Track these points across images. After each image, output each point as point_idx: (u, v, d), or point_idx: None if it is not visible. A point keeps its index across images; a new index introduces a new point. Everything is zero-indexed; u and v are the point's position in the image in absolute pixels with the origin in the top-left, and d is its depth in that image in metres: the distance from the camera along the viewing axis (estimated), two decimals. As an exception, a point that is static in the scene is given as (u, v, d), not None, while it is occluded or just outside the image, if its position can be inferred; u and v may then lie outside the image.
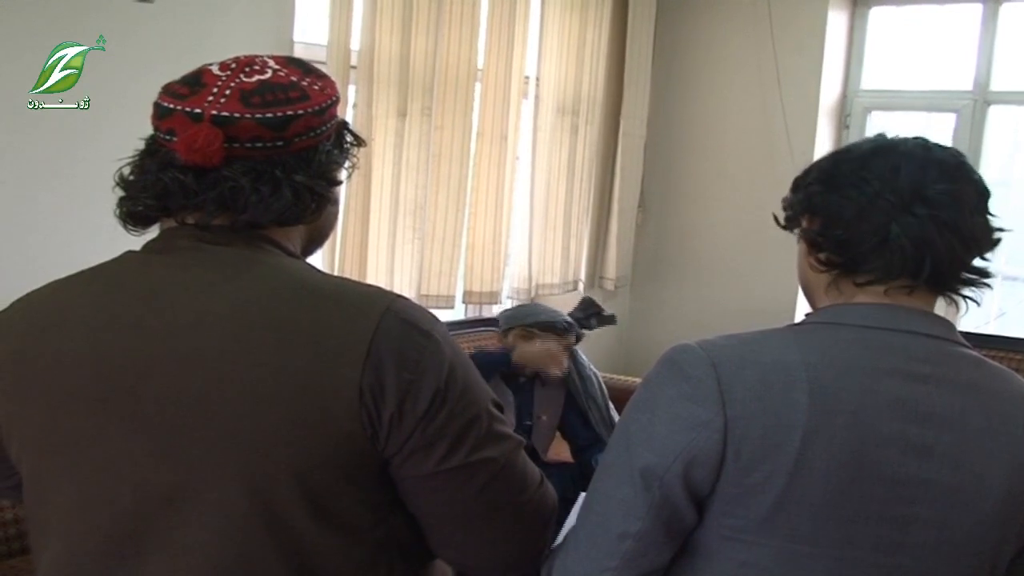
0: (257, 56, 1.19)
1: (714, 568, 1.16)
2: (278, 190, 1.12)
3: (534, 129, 4.31)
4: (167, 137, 1.12)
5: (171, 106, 1.12)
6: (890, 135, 1.24)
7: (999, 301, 4.62)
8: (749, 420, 1.10)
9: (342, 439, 1.06)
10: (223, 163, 1.10)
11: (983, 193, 1.20)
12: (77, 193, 2.74)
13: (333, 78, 1.24)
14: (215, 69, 1.16)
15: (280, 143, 1.12)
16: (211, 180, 1.11)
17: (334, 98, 1.19)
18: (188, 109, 1.11)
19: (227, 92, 1.12)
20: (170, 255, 1.14)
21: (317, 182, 1.15)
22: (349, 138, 1.24)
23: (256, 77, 1.14)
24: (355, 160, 1.26)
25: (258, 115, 1.11)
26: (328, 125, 1.18)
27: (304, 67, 1.21)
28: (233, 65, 1.16)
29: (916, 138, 1.22)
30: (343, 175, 1.25)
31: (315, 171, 1.15)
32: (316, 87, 1.17)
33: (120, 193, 1.16)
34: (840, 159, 1.22)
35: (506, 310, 3.55)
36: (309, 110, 1.14)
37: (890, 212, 1.15)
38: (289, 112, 1.12)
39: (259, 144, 1.11)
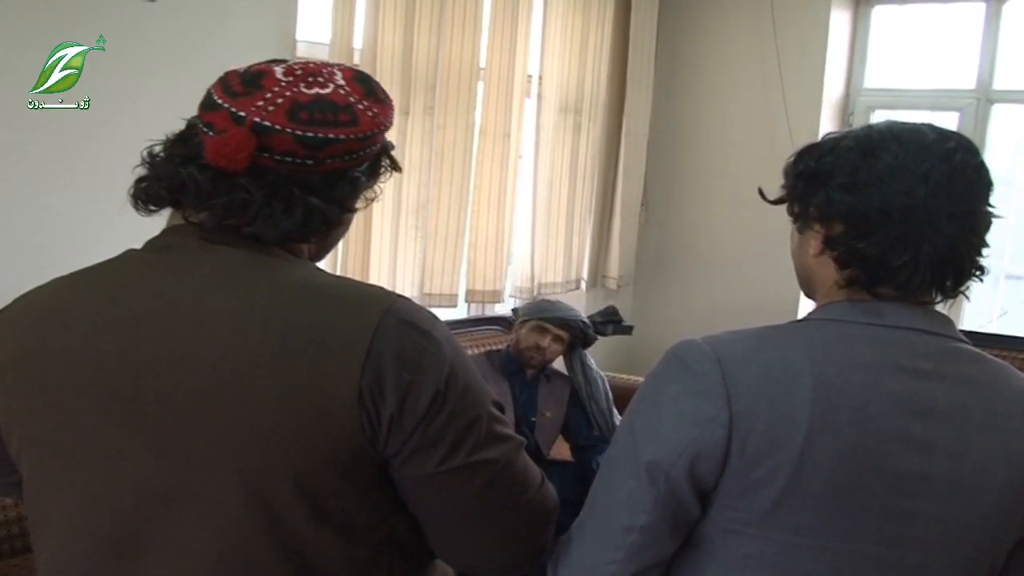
0: (325, 66, 1.17)
1: (717, 561, 1.17)
2: (290, 209, 1.10)
3: (537, 128, 4.30)
4: (205, 129, 1.10)
5: (220, 101, 1.11)
6: (904, 126, 1.21)
7: (1001, 300, 4.61)
8: (754, 415, 1.11)
9: (342, 439, 1.05)
10: (246, 171, 1.09)
11: (990, 186, 1.19)
12: (77, 193, 2.74)
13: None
14: (279, 72, 1.13)
15: (310, 162, 1.10)
16: (227, 185, 1.09)
17: (384, 126, 1.17)
18: (234, 110, 1.09)
19: (278, 101, 1.10)
20: (172, 254, 1.13)
21: (331, 207, 1.13)
22: (385, 163, 1.23)
23: (315, 90, 1.12)
24: (381, 189, 1.24)
25: (299, 132, 1.09)
26: (367, 151, 1.16)
27: (368, 87, 1.18)
28: (299, 71, 1.14)
29: (934, 135, 1.19)
30: (361, 203, 1.22)
31: (334, 196, 1.13)
32: (370, 113, 1.14)
33: (141, 171, 1.15)
34: (861, 164, 1.17)
35: (527, 302, 3.59)
36: (353, 136, 1.12)
37: (922, 230, 1.14)
38: (331, 135, 1.10)
39: (289, 159, 1.10)
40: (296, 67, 1.15)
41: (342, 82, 1.15)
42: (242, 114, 1.09)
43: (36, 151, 2.67)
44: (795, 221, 1.26)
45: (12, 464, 1.20)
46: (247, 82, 1.12)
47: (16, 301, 1.20)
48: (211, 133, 1.09)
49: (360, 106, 1.14)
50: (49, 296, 1.17)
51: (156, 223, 1.19)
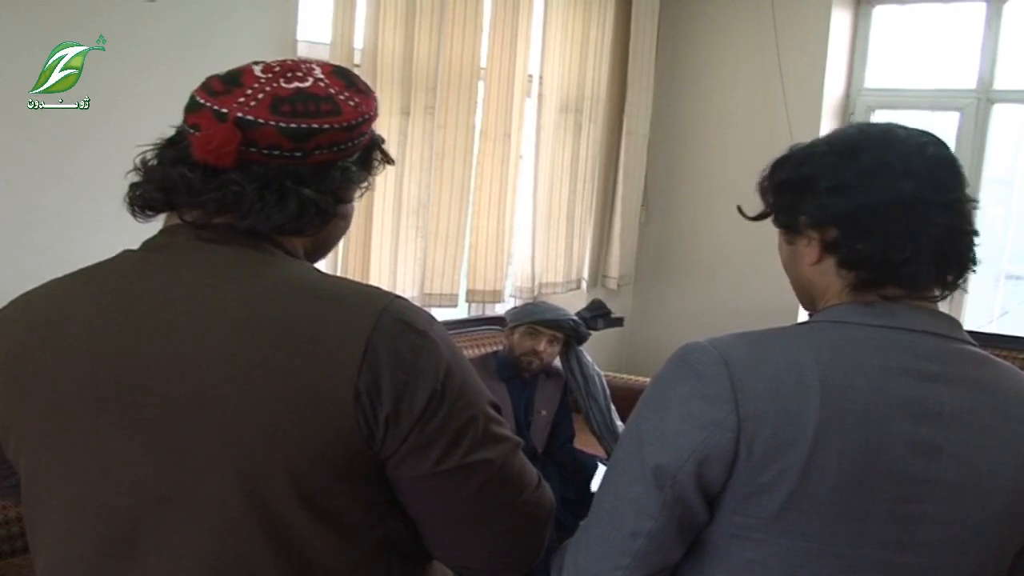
0: (304, 62, 1.18)
1: (722, 566, 1.16)
2: (283, 200, 1.11)
3: (537, 127, 4.31)
4: (191, 130, 1.11)
5: (202, 102, 1.12)
6: (874, 126, 1.23)
7: (1001, 300, 4.61)
8: (762, 419, 1.10)
9: (339, 439, 1.05)
10: (234, 166, 1.09)
11: (964, 177, 1.20)
12: (77, 193, 2.74)
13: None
14: (258, 70, 1.15)
15: (299, 154, 1.11)
16: (217, 181, 1.10)
17: (367, 115, 1.17)
18: (216, 107, 1.10)
19: (259, 96, 1.11)
20: (169, 254, 1.13)
21: (325, 198, 1.14)
22: (377, 156, 1.23)
23: (295, 84, 1.13)
24: (372, 180, 1.25)
25: (282, 124, 1.10)
26: (355, 142, 1.17)
27: (348, 79, 1.19)
28: (277, 68, 1.15)
29: (905, 132, 1.20)
30: (356, 193, 1.23)
31: (327, 186, 1.14)
32: (352, 103, 1.15)
33: (135, 178, 1.16)
34: (842, 166, 1.17)
35: (513, 308, 3.57)
36: (337, 125, 1.13)
37: (917, 224, 1.14)
38: (315, 125, 1.11)
39: (276, 152, 1.10)
40: (274, 64, 1.16)
41: (321, 76, 1.16)
42: (224, 111, 1.10)
43: (36, 151, 2.67)
44: (784, 233, 1.25)
45: (10, 467, 1.20)
46: (227, 81, 1.14)
47: (14, 302, 1.20)
48: (197, 133, 1.10)
49: (341, 96, 1.15)
50: (47, 297, 1.17)
51: (155, 223, 1.19)
